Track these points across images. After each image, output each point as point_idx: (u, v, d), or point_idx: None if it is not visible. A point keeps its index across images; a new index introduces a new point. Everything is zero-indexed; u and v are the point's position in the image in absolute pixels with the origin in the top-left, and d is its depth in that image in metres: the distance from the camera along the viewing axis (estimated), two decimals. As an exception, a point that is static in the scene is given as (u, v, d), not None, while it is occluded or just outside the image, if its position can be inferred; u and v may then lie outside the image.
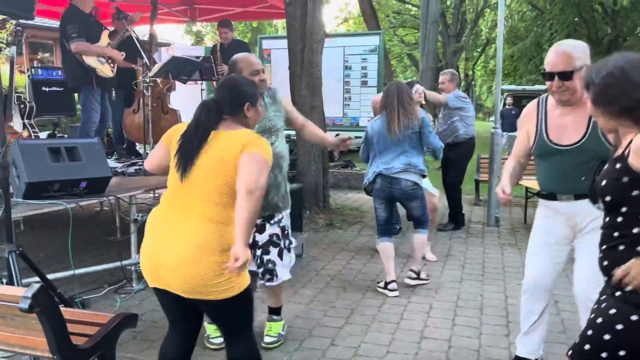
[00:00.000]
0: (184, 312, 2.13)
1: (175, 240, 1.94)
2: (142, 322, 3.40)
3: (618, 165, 1.70)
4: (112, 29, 5.71)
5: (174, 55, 5.10)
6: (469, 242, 5.37)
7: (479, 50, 32.07)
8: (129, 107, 6.14)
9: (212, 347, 3.03)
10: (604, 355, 1.67)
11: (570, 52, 2.32)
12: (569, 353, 1.80)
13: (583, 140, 2.37)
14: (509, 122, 12.34)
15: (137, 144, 6.37)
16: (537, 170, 2.61)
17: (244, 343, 2.13)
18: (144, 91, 5.12)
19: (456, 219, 5.85)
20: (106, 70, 5.01)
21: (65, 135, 7.15)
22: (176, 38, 28.37)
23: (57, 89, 6.78)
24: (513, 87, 21.49)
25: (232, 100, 2.13)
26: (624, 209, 1.69)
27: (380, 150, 3.90)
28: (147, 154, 5.64)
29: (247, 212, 1.87)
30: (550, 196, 2.51)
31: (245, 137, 2.03)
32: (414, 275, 4.07)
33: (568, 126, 2.41)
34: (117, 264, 3.85)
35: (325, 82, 8.68)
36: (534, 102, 2.59)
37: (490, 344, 3.11)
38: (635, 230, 1.67)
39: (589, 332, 1.72)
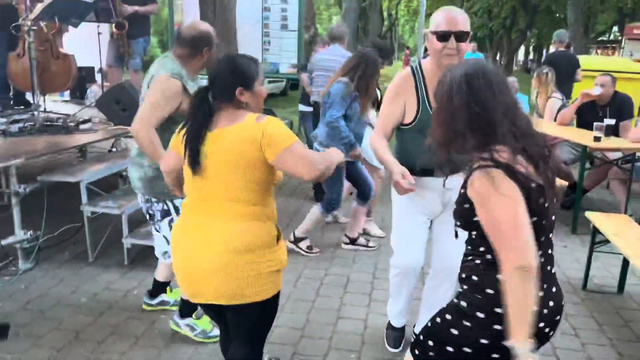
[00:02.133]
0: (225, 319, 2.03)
1: (209, 247, 1.81)
2: (27, 312, 3.02)
3: (462, 191, 1.58)
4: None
5: (58, -5, 4.38)
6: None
7: (402, -11, 31.77)
8: (13, 51, 5.36)
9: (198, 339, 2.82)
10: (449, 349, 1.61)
11: (464, 14, 2.28)
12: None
13: None
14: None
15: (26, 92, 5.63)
16: (402, 147, 2.43)
17: (256, 352, 2.03)
18: (26, 35, 4.41)
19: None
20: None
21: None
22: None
23: None
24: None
25: (222, 86, 1.84)
26: (473, 232, 1.59)
27: None
28: (38, 104, 5.00)
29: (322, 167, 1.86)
30: (427, 172, 2.32)
31: (256, 135, 1.77)
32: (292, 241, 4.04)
33: None
34: (-4, 243, 3.38)
35: (241, 25, 8.11)
36: (406, 72, 2.39)
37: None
38: (481, 249, 1.57)
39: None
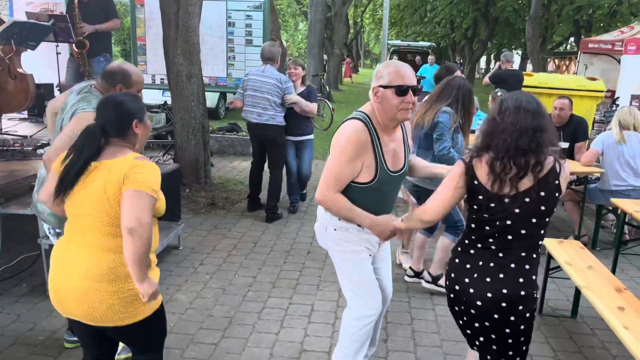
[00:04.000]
0: (96, 338, 2.13)
1: (73, 272, 1.96)
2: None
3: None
4: None
5: (15, 19, 4.27)
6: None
7: (367, -2, 32.13)
8: (-32, 71, 5.19)
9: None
10: None
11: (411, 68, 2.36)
12: None
13: (406, 162, 2.44)
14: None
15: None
16: (354, 199, 2.30)
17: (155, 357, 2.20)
18: (-20, 59, 4.28)
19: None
20: None
21: None
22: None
23: None
24: (399, 42, 21.81)
25: (119, 121, 2.01)
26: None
27: None
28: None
29: (133, 252, 1.86)
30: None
31: (126, 168, 1.92)
32: None
33: (397, 151, 2.39)
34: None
35: (207, 38, 8.08)
36: (362, 129, 2.25)
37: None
38: None
39: None
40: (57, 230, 2.74)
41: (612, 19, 20.42)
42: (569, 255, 3.42)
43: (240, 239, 4.77)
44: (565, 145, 4.90)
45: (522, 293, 1.99)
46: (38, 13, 5.59)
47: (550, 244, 3.60)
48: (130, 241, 1.84)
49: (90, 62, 5.74)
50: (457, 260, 2.14)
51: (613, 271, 3.88)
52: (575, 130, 5.28)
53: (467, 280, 2.05)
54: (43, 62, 6.23)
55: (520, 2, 22.95)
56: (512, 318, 2.00)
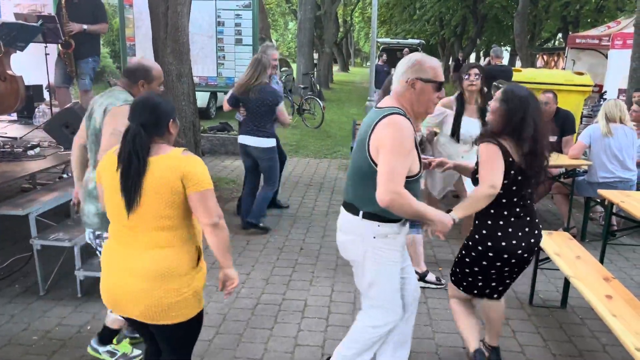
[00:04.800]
0: (148, 332, 2.18)
1: (129, 274, 1.98)
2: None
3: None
4: None
5: (4, 20, 4.26)
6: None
7: (357, -3, 32.15)
8: (-44, 73, 5.16)
9: None
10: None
11: None
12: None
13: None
14: (382, 79, 12.53)
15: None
16: None
17: None
18: (-32, 61, 4.26)
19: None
20: None
21: None
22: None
23: None
24: (389, 40, 21.87)
25: (158, 122, 2.04)
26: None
27: None
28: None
29: (221, 243, 2.04)
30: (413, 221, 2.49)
31: (179, 164, 1.96)
32: None
33: None
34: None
35: (196, 38, 8.08)
36: (409, 122, 2.25)
37: (363, 347, 3.11)
38: None
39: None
40: (97, 233, 2.73)
41: (599, 15, 20.60)
42: (558, 246, 3.47)
43: (233, 237, 4.79)
44: (552, 138, 4.95)
45: (542, 235, 2.66)
46: (26, 14, 5.57)
47: (540, 235, 3.65)
48: (215, 235, 2.01)
49: (79, 63, 5.72)
50: (491, 231, 2.56)
51: (601, 261, 3.93)
52: (562, 124, 5.34)
53: (509, 241, 2.54)
54: (32, 64, 6.21)
55: (508, -2, 23.09)
56: (532, 256, 2.64)
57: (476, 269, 2.65)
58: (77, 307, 3.49)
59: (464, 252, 2.70)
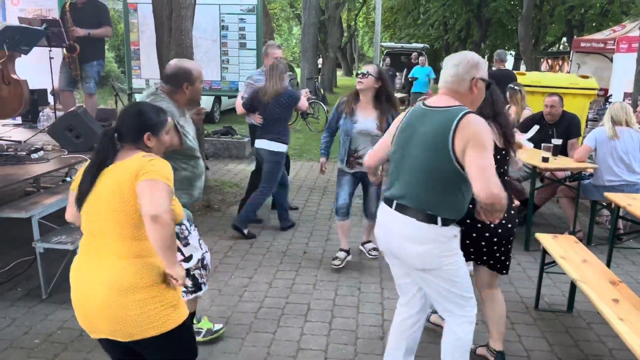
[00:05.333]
0: (129, 356, 2.06)
1: (96, 286, 1.88)
2: (-24, 358, 2.91)
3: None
4: None
5: (8, 24, 4.27)
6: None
7: (360, 1, 32.20)
8: (-39, 76, 5.19)
9: None
10: None
11: None
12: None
13: None
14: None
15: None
16: (462, 197, 2.30)
17: None
18: (-27, 64, 4.27)
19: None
20: None
21: None
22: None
23: None
24: (392, 44, 21.87)
25: (133, 129, 2.02)
26: None
27: None
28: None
29: (160, 239, 1.81)
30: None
31: (137, 164, 1.91)
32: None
33: None
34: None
35: (200, 42, 8.09)
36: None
37: (366, 351, 3.09)
38: None
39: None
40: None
41: (604, 19, 20.55)
42: (563, 250, 3.43)
43: (236, 241, 4.77)
44: (558, 142, 4.92)
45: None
46: (30, 19, 5.58)
47: (545, 239, 3.61)
48: (155, 229, 1.79)
49: (84, 67, 5.74)
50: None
51: (608, 265, 3.89)
52: (567, 127, 5.30)
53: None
54: (37, 68, 6.22)
55: (512, 2, 23.07)
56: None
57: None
58: (80, 310, 3.47)
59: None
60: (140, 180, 1.85)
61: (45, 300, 3.59)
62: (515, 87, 5.97)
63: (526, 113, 5.79)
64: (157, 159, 1.96)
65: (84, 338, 3.14)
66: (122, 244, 1.89)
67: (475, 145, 2.14)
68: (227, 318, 3.42)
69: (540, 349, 3.16)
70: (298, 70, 20.04)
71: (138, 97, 2.96)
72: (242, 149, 8.45)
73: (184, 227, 2.71)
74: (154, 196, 1.82)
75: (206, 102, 11.10)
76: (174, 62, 2.83)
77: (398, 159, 2.38)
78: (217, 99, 12.01)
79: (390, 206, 2.36)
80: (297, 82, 17.51)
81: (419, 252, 2.29)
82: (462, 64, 2.31)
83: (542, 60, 21.35)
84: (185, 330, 2.02)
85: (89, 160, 1.99)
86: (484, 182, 2.09)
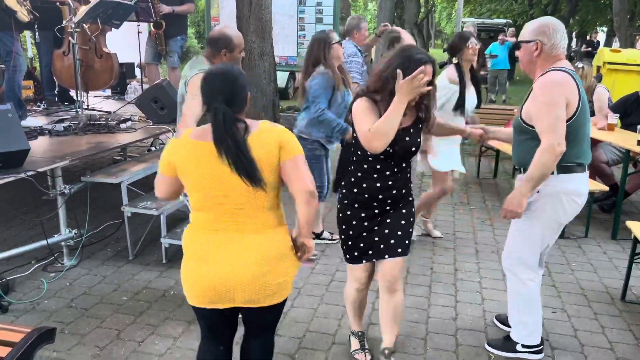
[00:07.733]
0: (229, 321, 2.09)
1: (249, 258, 1.85)
2: (71, 310, 3.17)
3: None
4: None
5: (100, -1, 4.48)
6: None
7: (440, -25, 31.05)
8: (59, 49, 5.55)
9: None
10: None
11: None
12: None
13: None
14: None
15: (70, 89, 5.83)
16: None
17: (271, 339, 2.16)
18: (70, 38, 4.54)
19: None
20: (22, 16, 4.37)
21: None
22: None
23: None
24: (472, 19, 20.98)
25: (239, 96, 1.86)
26: None
27: None
28: (82, 100, 5.15)
29: (311, 214, 1.91)
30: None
31: (275, 135, 1.87)
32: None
33: None
34: (43, 242, 3.53)
35: (278, 17, 8.13)
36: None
37: (437, 330, 3.05)
38: None
39: None
40: None
41: None
42: (658, 239, 3.19)
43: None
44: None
45: None
46: (121, -6, 5.84)
47: (637, 227, 3.37)
48: (309, 203, 1.89)
49: (169, 42, 5.94)
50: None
51: None
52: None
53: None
54: (125, 42, 6.54)
55: (607, -26, 21.38)
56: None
57: None
58: (162, 272, 3.67)
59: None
60: (287, 159, 1.86)
61: (131, 261, 3.82)
62: (578, 65, 5.46)
63: (602, 93, 5.24)
64: (283, 128, 1.92)
65: (166, 299, 3.32)
66: (266, 215, 1.89)
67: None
68: (299, 288, 3.49)
69: (626, 342, 2.98)
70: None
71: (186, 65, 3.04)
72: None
73: None
74: (307, 172, 1.90)
75: (281, 78, 11.21)
76: (218, 28, 2.98)
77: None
78: (292, 75, 12.08)
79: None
80: (372, 59, 17.27)
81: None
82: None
83: (637, 37, 19.70)
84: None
85: (220, 146, 1.76)
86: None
